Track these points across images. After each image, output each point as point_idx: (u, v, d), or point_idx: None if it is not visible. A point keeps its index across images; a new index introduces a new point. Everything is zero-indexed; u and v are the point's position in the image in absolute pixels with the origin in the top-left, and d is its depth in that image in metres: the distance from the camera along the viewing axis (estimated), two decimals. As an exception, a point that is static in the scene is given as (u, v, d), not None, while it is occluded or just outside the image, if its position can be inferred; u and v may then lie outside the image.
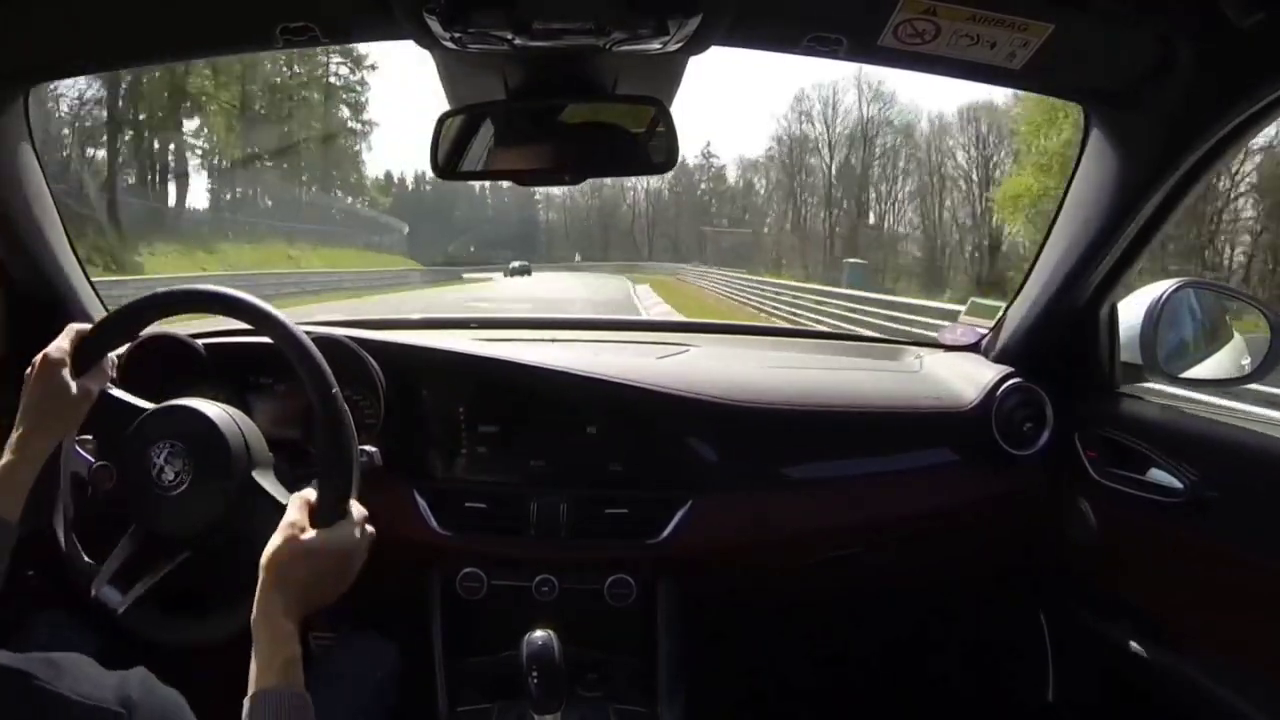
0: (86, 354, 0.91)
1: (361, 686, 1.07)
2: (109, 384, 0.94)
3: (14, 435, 0.86)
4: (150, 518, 0.92)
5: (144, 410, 0.94)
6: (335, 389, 0.88)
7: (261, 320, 0.92)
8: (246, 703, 0.71)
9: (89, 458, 0.96)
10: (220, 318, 0.96)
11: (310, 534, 0.80)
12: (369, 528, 0.87)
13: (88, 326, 0.93)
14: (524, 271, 38.60)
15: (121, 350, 1.18)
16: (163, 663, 0.71)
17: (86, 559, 0.95)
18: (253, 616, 0.75)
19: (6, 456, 0.85)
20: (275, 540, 0.79)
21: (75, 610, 1.03)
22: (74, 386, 0.89)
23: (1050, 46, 0.95)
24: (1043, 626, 1.42)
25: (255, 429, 0.96)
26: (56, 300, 1.26)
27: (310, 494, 0.84)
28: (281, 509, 0.84)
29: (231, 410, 0.95)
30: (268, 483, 0.92)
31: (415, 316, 1.68)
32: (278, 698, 0.71)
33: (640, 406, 1.28)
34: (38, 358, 0.89)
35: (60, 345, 0.90)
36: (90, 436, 0.97)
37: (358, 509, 0.86)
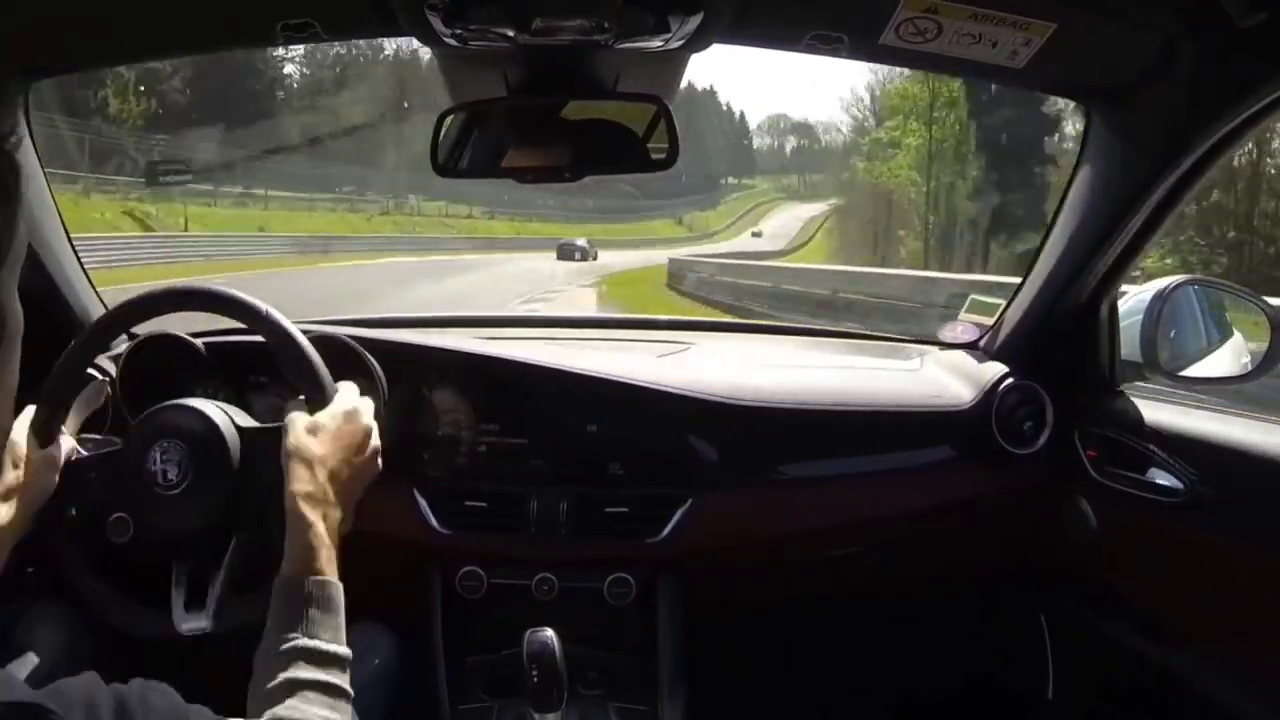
0: (46, 425, 0.90)
1: (359, 672, 1.07)
2: (75, 451, 0.93)
3: None
4: (150, 517, 0.92)
5: (143, 410, 0.94)
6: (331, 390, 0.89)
7: (256, 318, 0.92)
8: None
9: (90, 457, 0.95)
10: (221, 317, 0.96)
11: (311, 418, 0.86)
12: (366, 399, 0.92)
13: (32, 409, 0.91)
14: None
15: (122, 349, 1.18)
16: (163, 660, 0.71)
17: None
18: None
19: None
20: (288, 438, 0.84)
21: (74, 608, 1.03)
22: (37, 459, 0.89)
23: (1052, 45, 0.95)
24: (1043, 625, 1.42)
25: None
26: (56, 299, 1.26)
27: (298, 409, 0.88)
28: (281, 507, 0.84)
29: (232, 409, 0.95)
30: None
31: (416, 315, 1.68)
32: (295, 584, 0.76)
33: (640, 405, 1.28)
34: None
35: (17, 430, 0.89)
36: (91, 434, 0.97)
37: (345, 385, 0.92)
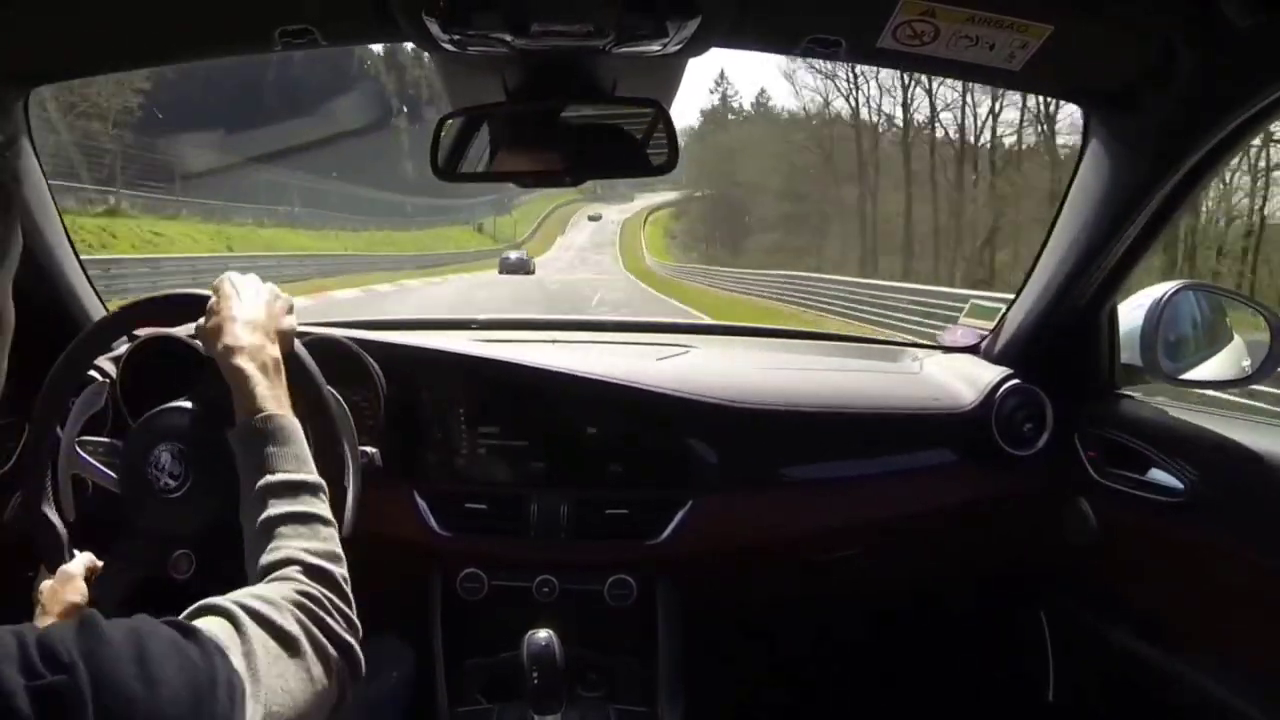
0: (52, 549, 0.90)
1: (379, 687, 1.07)
2: (91, 560, 0.91)
3: None
4: (150, 519, 0.92)
5: (145, 411, 0.94)
6: (324, 387, 0.90)
7: (131, 312, 0.94)
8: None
9: (91, 460, 0.96)
10: None
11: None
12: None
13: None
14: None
15: (122, 351, 1.18)
16: None
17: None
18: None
19: None
20: (197, 338, 0.85)
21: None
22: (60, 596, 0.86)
23: (1049, 48, 0.95)
24: (1043, 626, 1.42)
25: None
26: (57, 301, 1.26)
27: None
28: None
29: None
30: None
31: (416, 317, 1.68)
32: (244, 429, 0.76)
33: (640, 408, 1.28)
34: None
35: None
36: (92, 437, 0.97)
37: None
